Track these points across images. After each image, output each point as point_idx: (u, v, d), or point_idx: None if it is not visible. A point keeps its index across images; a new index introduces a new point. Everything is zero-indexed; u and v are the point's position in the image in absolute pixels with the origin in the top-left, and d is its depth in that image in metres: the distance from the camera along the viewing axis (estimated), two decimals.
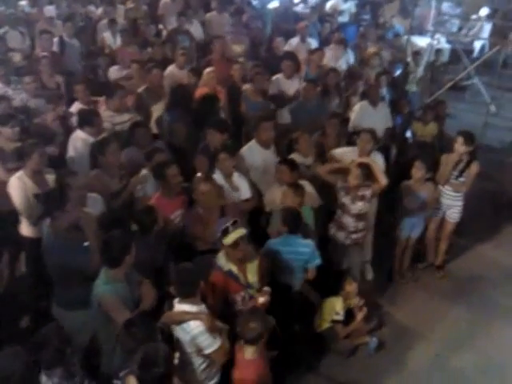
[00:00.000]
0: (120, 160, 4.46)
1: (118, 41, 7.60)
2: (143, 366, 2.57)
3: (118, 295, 3.24)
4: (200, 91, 6.07)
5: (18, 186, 4.09)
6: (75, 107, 5.44)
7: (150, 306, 3.32)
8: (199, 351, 3.16)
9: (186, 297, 3.18)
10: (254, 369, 3.14)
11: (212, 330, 3.13)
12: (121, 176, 4.42)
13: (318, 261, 4.11)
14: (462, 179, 5.18)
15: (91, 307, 3.33)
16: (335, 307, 4.47)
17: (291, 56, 7.06)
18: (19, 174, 4.15)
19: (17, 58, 6.63)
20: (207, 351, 3.14)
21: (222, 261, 3.61)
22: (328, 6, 10.80)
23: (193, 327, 3.11)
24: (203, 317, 3.13)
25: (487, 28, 11.81)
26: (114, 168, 4.39)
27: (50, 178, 4.22)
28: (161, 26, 8.61)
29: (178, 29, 8.08)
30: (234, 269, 3.60)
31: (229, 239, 3.49)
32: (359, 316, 4.49)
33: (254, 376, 3.12)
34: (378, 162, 5.04)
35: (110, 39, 7.76)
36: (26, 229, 4.28)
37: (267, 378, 3.23)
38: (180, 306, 3.20)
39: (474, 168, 5.16)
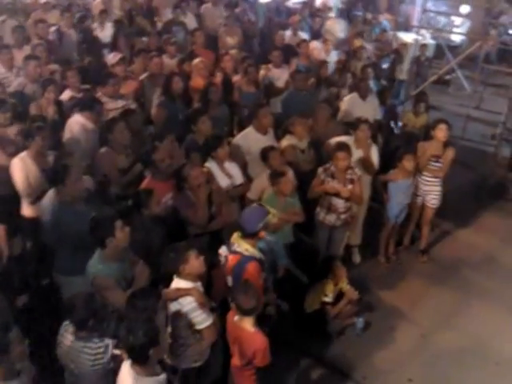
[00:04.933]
0: (127, 138, 4.49)
1: (108, 31, 7.41)
2: (124, 336, 2.55)
3: (111, 275, 3.18)
4: (194, 82, 5.96)
5: (20, 167, 4.15)
6: (66, 94, 5.34)
7: (142, 285, 3.23)
8: (191, 326, 3.10)
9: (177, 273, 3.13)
10: (258, 339, 3.06)
11: (203, 305, 3.08)
12: (127, 153, 4.47)
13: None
14: (438, 164, 5.17)
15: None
16: (325, 290, 4.41)
17: (288, 49, 6.98)
18: (22, 154, 4.20)
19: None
20: (199, 327, 3.09)
21: (252, 250, 3.44)
22: (318, 1, 10.66)
23: (186, 302, 3.06)
24: (194, 293, 3.08)
25: (467, 25, 11.77)
26: (121, 145, 4.43)
27: (51, 159, 4.28)
28: (156, 18, 8.41)
29: (173, 20, 7.92)
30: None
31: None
32: (347, 296, 4.42)
33: (261, 346, 3.04)
34: (373, 152, 5.04)
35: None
36: (26, 209, 4.28)
37: (268, 350, 3.11)
38: (177, 281, 3.15)
39: (451, 153, 5.18)
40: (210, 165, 4.42)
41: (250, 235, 3.42)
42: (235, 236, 3.50)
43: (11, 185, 4.17)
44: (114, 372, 2.76)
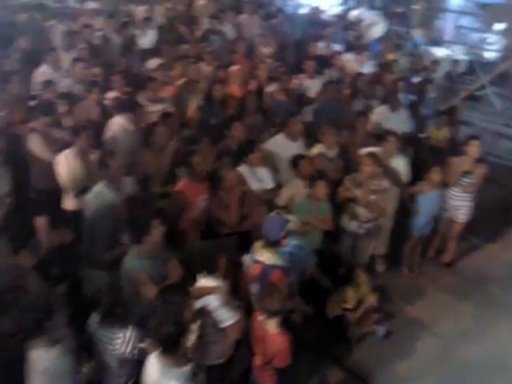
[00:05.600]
0: (166, 141, 4.63)
1: (150, 38, 7.59)
2: (154, 327, 2.59)
3: (146, 270, 3.25)
4: (231, 89, 6.04)
5: (64, 163, 4.36)
6: (111, 95, 5.52)
7: (175, 281, 3.29)
8: (216, 324, 3.13)
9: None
10: (280, 340, 3.07)
11: (227, 304, 3.11)
12: (169, 155, 4.63)
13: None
14: (468, 180, 5.09)
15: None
16: (346, 296, 4.39)
17: (321, 60, 7.05)
18: (66, 152, 4.39)
19: None
20: (225, 324, 3.12)
21: (275, 258, 3.44)
22: (352, 15, 10.65)
23: (211, 301, 3.11)
24: (219, 291, 3.12)
25: (503, 42, 11.51)
26: (162, 147, 4.60)
27: (93, 156, 4.42)
28: (195, 27, 8.57)
29: (211, 29, 8.05)
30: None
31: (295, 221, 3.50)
32: (368, 301, 4.38)
33: (281, 347, 3.05)
34: (400, 164, 5.01)
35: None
36: (68, 203, 4.45)
37: (289, 352, 3.14)
38: (202, 280, 3.19)
39: (482, 169, 5.10)
40: (243, 169, 4.49)
41: (272, 243, 3.44)
42: (257, 245, 3.52)
43: (55, 180, 4.36)
44: (138, 363, 2.81)
